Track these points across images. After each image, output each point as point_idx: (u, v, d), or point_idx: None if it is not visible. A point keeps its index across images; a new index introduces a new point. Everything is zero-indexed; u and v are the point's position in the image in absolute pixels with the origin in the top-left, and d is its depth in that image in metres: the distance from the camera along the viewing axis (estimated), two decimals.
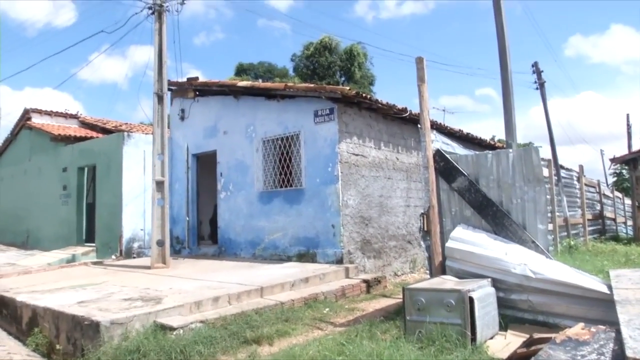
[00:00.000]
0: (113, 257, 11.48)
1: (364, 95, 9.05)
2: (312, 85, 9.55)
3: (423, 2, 79.17)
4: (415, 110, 9.88)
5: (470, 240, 5.73)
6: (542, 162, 6.20)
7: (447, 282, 5.23)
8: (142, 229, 11.84)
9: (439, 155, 6.47)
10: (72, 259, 11.62)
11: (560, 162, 17.28)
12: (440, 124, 11.53)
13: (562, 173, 13.48)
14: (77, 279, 8.02)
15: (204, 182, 12.14)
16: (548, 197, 10.21)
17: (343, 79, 34.27)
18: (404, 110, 10.08)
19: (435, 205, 6.16)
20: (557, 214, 11.39)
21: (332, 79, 32.95)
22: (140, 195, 11.89)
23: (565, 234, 11.89)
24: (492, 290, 5.10)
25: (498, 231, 5.91)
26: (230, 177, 10.84)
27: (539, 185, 5.85)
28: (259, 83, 10.93)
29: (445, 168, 6.41)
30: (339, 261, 8.62)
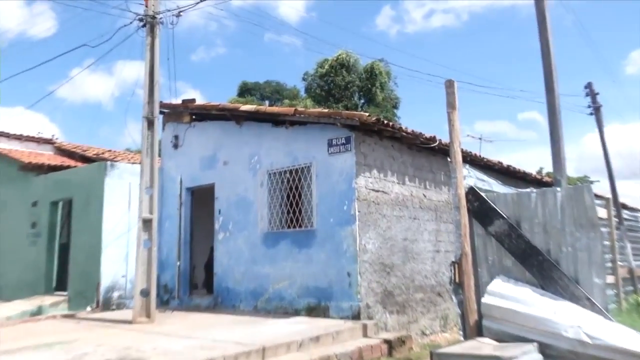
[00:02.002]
0: (88, 308, 11.43)
1: (385, 122, 9.23)
2: (325, 110, 9.71)
3: (454, 14, 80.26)
4: (446, 138, 9.93)
5: (511, 295, 5.72)
6: (599, 202, 6.17)
7: (484, 346, 5.20)
8: (124, 276, 11.81)
9: (472, 193, 6.53)
10: (38, 312, 11.51)
11: (622, 200, 17.09)
12: (475, 155, 11.63)
13: (625, 214, 13.31)
14: (42, 336, 7.92)
15: (199, 221, 12.23)
16: (607, 243, 10.03)
17: (362, 101, 34.58)
18: (433, 139, 10.17)
19: (468, 252, 6.17)
20: (620, 264, 11.16)
21: (349, 101, 33.28)
22: (123, 236, 11.90)
23: (632, 288, 11.62)
24: (539, 357, 5.07)
25: (545, 285, 5.89)
26: (230, 215, 10.96)
27: (594, 230, 5.87)
28: (265, 107, 11.18)
29: (480, 209, 6.46)
30: (356, 316, 8.61)
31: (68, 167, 13.99)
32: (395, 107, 35.49)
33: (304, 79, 36.93)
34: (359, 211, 8.92)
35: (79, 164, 14.38)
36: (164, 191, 12.15)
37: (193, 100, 11.87)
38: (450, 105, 6.52)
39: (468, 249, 6.19)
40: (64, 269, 12.75)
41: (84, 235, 12.18)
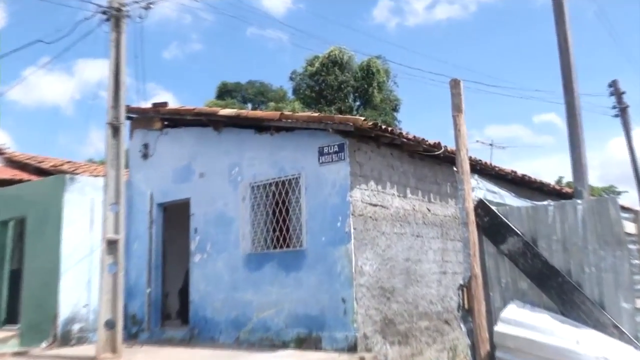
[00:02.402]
0: (44, 344, 11.26)
1: (383, 127, 9.28)
2: (316, 114, 9.81)
3: (461, 4, 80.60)
4: (452, 145, 9.91)
5: (527, 322, 5.71)
6: (626, 215, 6.21)
7: None
8: (85, 305, 11.70)
9: (482, 207, 6.53)
10: None
11: None
12: (485, 163, 11.74)
13: None
14: None
15: (173, 241, 12.29)
16: (636, 262, 10.09)
17: (358, 103, 34.67)
18: (437, 146, 10.24)
19: (478, 274, 6.16)
20: None
21: (343, 103, 33.37)
22: (85, 259, 11.80)
23: None
24: None
25: (566, 310, 5.89)
26: (207, 235, 11.00)
27: (621, 248, 5.85)
28: (247, 111, 11.31)
29: (491, 225, 6.46)
30: (352, 348, 8.59)
31: (20, 181, 13.84)
32: (395, 109, 35.59)
33: (291, 79, 37.05)
34: (354, 228, 8.96)
35: (33, 178, 14.23)
36: (132, 208, 12.16)
37: (165, 104, 11.88)
38: (456, 108, 6.51)
39: (478, 270, 6.16)
40: (15, 298, 12.57)
41: (39, 260, 12.03)
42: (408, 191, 10.38)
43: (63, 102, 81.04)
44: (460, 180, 6.41)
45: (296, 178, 9.79)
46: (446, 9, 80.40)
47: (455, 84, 6.59)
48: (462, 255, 6.51)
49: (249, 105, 39.25)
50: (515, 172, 12.53)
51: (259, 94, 40.11)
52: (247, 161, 10.61)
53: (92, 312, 11.52)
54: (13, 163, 16.50)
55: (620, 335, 5.57)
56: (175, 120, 11.90)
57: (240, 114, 10.61)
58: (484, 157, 11.89)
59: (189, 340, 10.75)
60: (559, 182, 35.74)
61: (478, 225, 6.42)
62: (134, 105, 11.76)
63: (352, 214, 8.99)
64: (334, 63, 33.95)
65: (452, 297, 10.59)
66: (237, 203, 10.60)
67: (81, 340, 11.50)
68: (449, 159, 10.40)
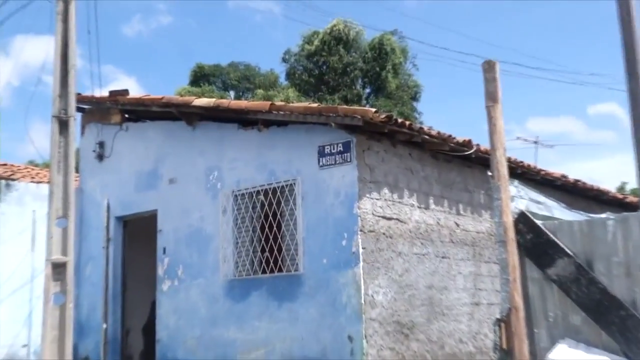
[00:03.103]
0: None
1: (400, 121, 9.21)
2: (315, 105, 9.75)
3: None
4: (486, 143, 9.53)
5: None
6: None
7: None
8: (25, 345, 11.81)
9: (524, 221, 6.54)
10: None
11: None
12: (528, 166, 11.71)
13: None
14: None
15: (136, 264, 12.34)
16: None
17: (368, 90, 34.50)
18: (467, 144, 10.24)
19: (519, 306, 6.13)
20: None
21: (349, 90, 33.13)
22: (24, 287, 11.84)
23: None
24: None
25: (630, 351, 5.87)
26: (179, 256, 11.00)
27: None
28: (229, 101, 11.17)
29: (535, 243, 6.48)
30: None
31: None
32: (414, 98, 35.43)
33: (284, 60, 36.67)
34: (363, 248, 8.96)
35: None
36: (84, 222, 12.25)
37: (126, 92, 11.90)
38: (491, 97, 6.44)
39: (519, 300, 6.11)
40: None
41: None
42: (431, 201, 10.36)
43: None
44: (497, 187, 6.36)
45: (290, 185, 9.78)
46: None
47: (489, 67, 6.54)
48: (499, 282, 6.49)
49: (231, 94, 38.77)
50: (565, 177, 12.56)
51: (244, 79, 39.69)
52: (228, 163, 10.60)
53: (33, 353, 11.59)
54: None
55: None
56: (138, 112, 11.97)
57: (220, 104, 10.59)
58: (527, 158, 11.87)
59: None
60: (621, 189, 35.68)
61: (519, 244, 6.40)
62: (87, 93, 11.82)
63: (361, 230, 8.99)
64: (338, 40, 33.69)
65: (487, 334, 10.55)
66: (217, 216, 10.57)
67: None
68: (482, 161, 10.38)
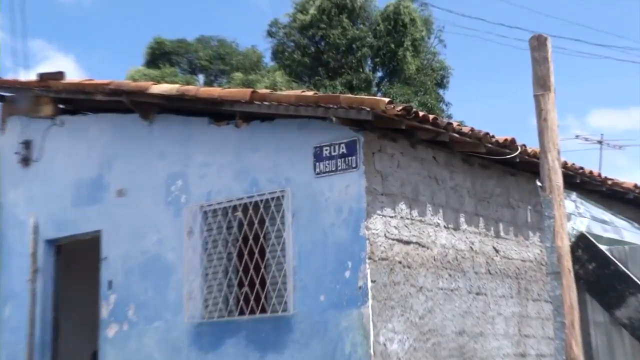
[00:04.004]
0: None
1: (422, 114, 8.40)
2: (310, 93, 9.10)
3: None
4: (532, 143, 9.13)
5: None
6: None
7: None
8: None
9: (585, 247, 6.08)
10: None
11: None
12: (590, 174, 11.12)
13: None
14: None
15: (72, 303, 11.72)
16: None
17: (380, 74, 32.58)
18: (510, 145, 9.51)
19: (578, 359, 5.40)
20: None
21: (355, 74, 31.33)
22: None
23: None
24: None
25: None
26: (130, 292, 10.21)
27: None
28: (197, 88, 10.45)
29: (600, 275, 6.04)
30: None
31: None
32: (440, 84, 33.53)
33: (270, 35, 34.50)
34: (373, 281, 8.10)
35: None
36: (3, 247, 11.48)
37: (61, 75, 10.96)
38: (541, 83, 5.69)
39: (578, 351, 5.39)
40: None
41: None
42: (462, 219, 9.51)
43: None
44: (548, 201, 5.64)
45: (277, 198, 8.91)
46: None
47: (538, 44, 5.83)
48: (551, 327, 6.49)
49: (201, 78, 36.85)
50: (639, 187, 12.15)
51: (217, 59, 37.27)
52: (196, 169, 9.77)
53: None
54: None
55: None
56: (77, 102, 11.03)
57: (185, 92, 9.71)
58: (588, 164, 11.96)
59: None
60: None
61: (578, 277, 5.81)
62: (9, 76, 11.58)
63: (370, 258, 8.12)
64: (341, 8, 31.69)
65: None
66: (180, 239, 9.66)
67: None
68: (529, 167, 9.68)
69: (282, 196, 8.89)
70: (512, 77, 66.43)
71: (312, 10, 31.34)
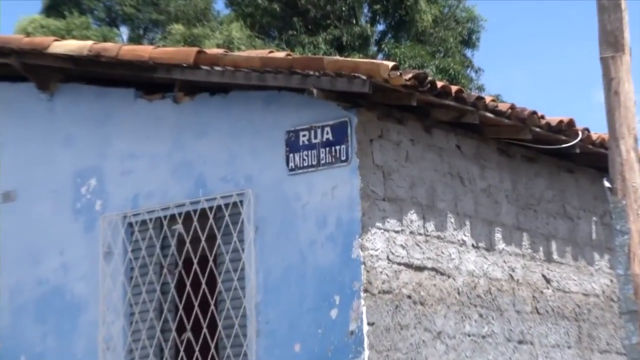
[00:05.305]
0: None
1: (441, 85, 7.38)
2: (281, 55, 7.98)
3: None
4: (597, 128, 8.62)
5: None
6: None
7: None
8: None
9: None
10: None
11: None
12: None
13: None
14: None
15: None
16: None
17: (381, 27, 29.14)
18: (567, 129, 8.45)
19: None
20: None
21: (346, 28, 27.90)
22: None
23: None
24: None
25: None
26: (20, 340, 8.87)
27: None
28: (118, 45, 9.12)
29: None
30: None
31: None
32: (467, 42, 29.71)
33: None
34: (370, 323, 7.10)
35: None
36: None
37: None
38: (610, 40, 5.05)
39: None
40: None
41: None
42: (498, 235, 8.23)
43: None
44: (621, 210, 4.95)
45: (234, 204, 7.70)
46: None
47: None
48: None
49: (124, 32, 33.23)
50: None
51: (148, 5, 31.74)
52: (117, 163, 8.41)
53: None
54: None
55: None
56: None
57: (101, 51, 8.28)
58: None
59: None
60: None
61: None
62: None
63: (367, 290, 7.10)
64: None
65: None
66: (94, 263, 8.26)
67: None
68: (593, 161, 8.77)
69: (241, 201, 7.60)
70: (570, 33, 61.77)
71: None
